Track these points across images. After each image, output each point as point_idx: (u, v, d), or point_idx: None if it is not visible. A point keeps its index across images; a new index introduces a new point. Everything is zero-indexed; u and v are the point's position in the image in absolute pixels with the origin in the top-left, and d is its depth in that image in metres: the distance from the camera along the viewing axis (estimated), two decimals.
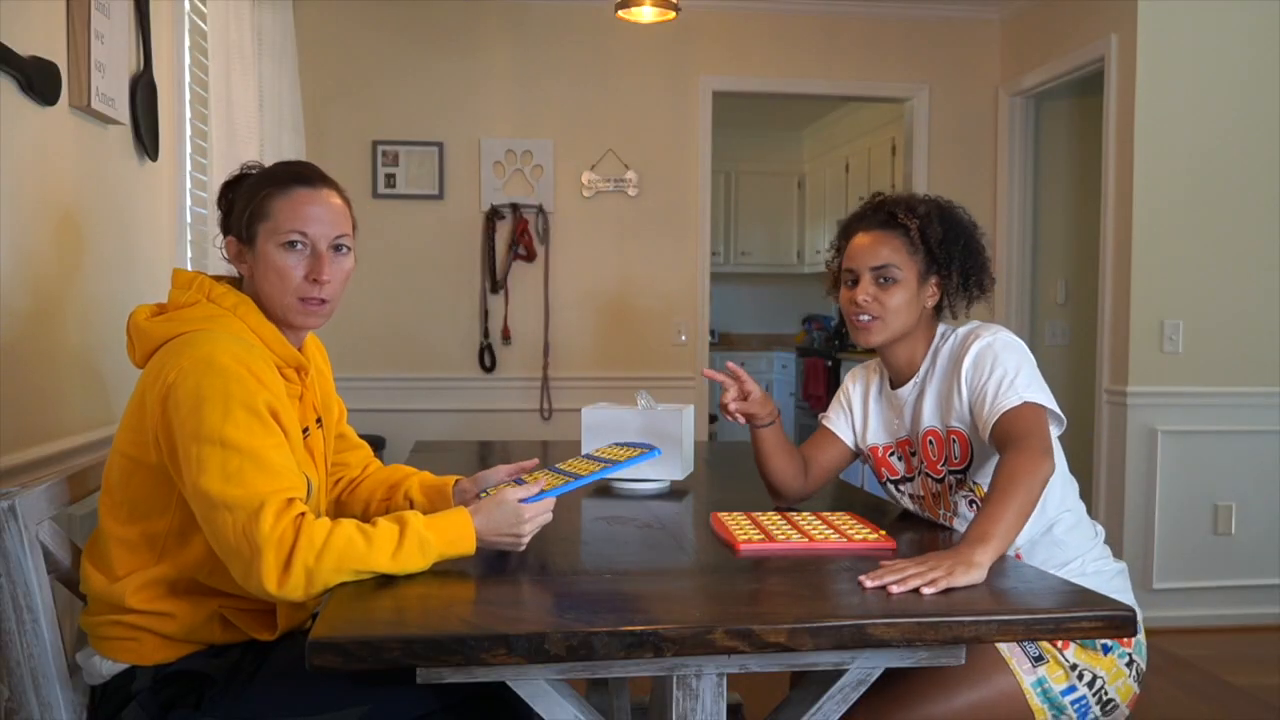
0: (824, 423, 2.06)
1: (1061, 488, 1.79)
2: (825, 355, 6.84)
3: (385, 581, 1.39)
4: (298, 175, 1.60)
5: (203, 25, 2.98)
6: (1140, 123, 3.82)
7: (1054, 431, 1.72)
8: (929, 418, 1.84)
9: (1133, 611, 1.32)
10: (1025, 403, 1.68)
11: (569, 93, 4.59)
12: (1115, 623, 1.31)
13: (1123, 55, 3.91)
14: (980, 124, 4.88)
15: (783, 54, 4.74)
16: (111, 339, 2.28)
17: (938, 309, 1.89)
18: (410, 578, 1.41)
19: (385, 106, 4.48)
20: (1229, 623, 3.91)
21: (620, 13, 3.12)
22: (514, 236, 4.55)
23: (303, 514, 1.37)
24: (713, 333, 7.60)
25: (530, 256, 4.56)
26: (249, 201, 1.58)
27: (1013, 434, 1.64)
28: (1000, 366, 1.72)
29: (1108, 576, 1.76)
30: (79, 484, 1.67)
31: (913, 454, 1.90)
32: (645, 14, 3.10)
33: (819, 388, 6.85)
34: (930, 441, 1.84)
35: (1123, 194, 3.91)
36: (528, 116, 4.57)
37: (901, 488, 1.94)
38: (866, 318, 1.83)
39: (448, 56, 4.51)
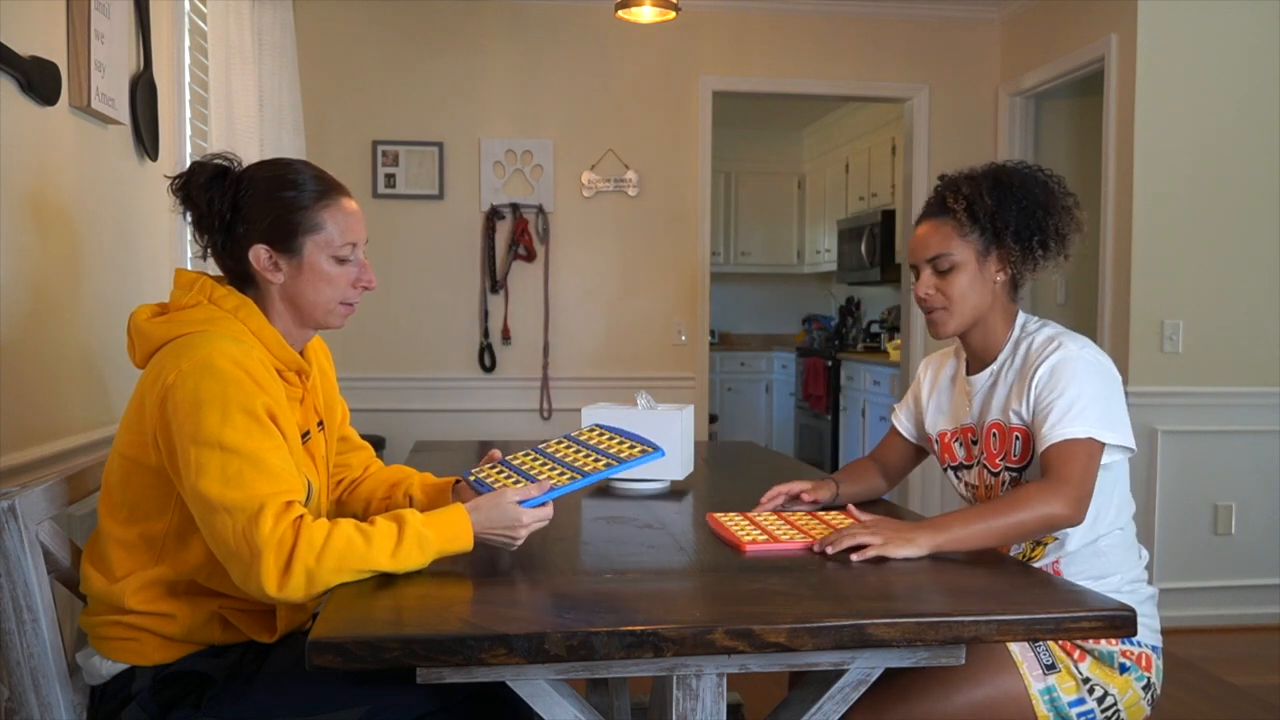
0: (891, 418, 2.10)
1: (1118, 507, 1.76)
2: (825, 355, 6.84)
3: (385, 582, 1.39)
4: (334, 185, 1.61)
5: (203, 25, 2.98)
6: (1140, 123, 3.82)
7: (1117, 456, 1.69)
8: (996, 410, 1.79)
9: (1133, 611, 1.32)
10: (1089, 438, 1.62)
11: (569, 93, 4.59)
12: (1115, 623, 1.31)
13: (1123, 55, 3.91)
14: (980, 124, 4.88)
15: (783, 54, 4.74)
16: (112, 339, 2.28)
17: (1014, 285, 1.81)
18: (410, 578, 1.41)
19: (385, 106, 4.48)
20: (1229, 623, 3.91)
21: (620, 13, 3.12)
22: (514, 236, 4.55)
23: (301, 516, 1.37)
24: (713, 333, 7.60)
25: (530, 256, 4.56)
26: (286, 211, 1.54)
27: (1054, 467, 1.61)
28: (1076, 387, 1.65)
29: (1137, 600, 1.73)
30: (79, 484, 1.67)
31: (974, 443, 1.86)
32: (645, 14, 3.10)
33: (819, 388, 6.85)
34: (994, 434, 1.80)
35: (1123, 194, 3.91)
36: (528, 116, 4.57)
37: (960, 474, 1.91)
38: (934, 309, 1.80)
39: (448, 56, 4.51)
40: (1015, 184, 1.76)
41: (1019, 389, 1.75)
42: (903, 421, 2.06)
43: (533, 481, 1.56)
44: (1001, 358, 1.82)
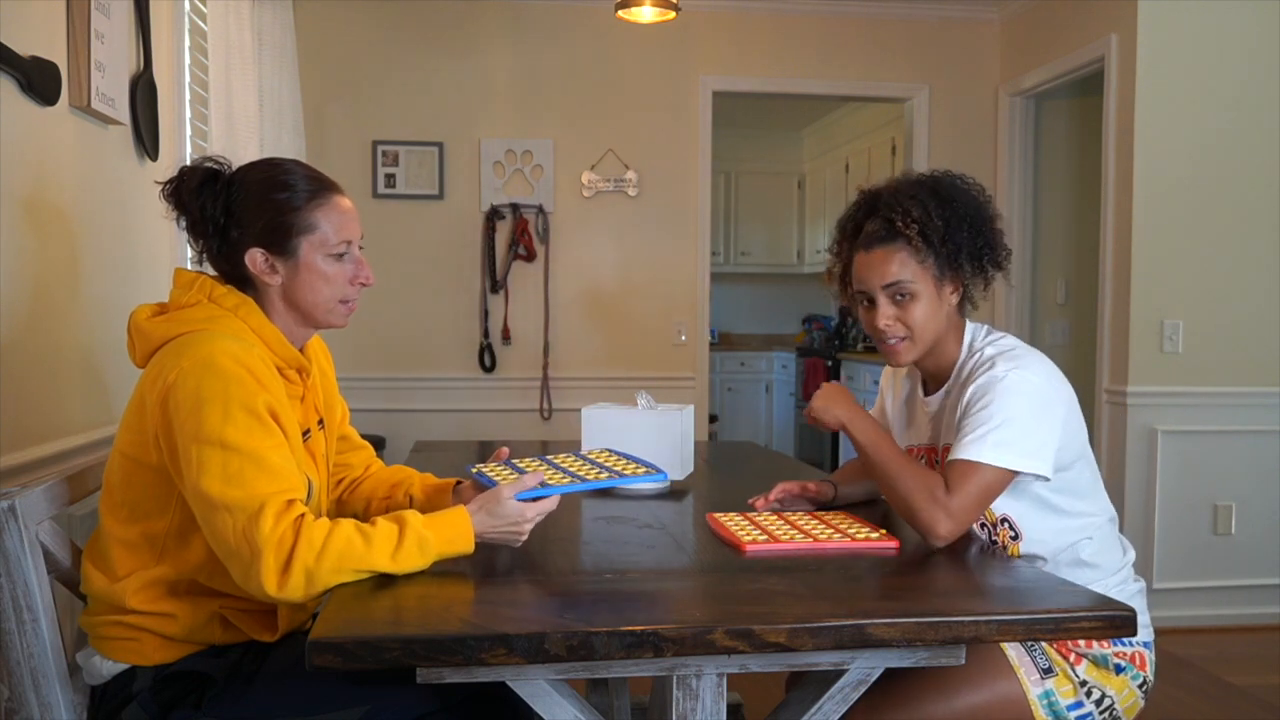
0: None
1: (1088, 512, 1.74)
2: (825, 355, 6.84)
3: (385, 582, 1.39)
4: (327, 183, 1.60)
5: (203, 25, 2.98)
6: (1140, 123, 3.82)
7: (1030, 480, 1.64)
8: (945, 433, 1.77)
9: (1132, 611, 1.32)
10: (979, 463, 1.59)
11: (569, 93, 4.59)
12: (1115, 623, 1.31)
13: (1123, 55, 3.91)
14: (980, 124, 4.88)
15: (783, 54, 4.74)
16: (112, 339, 2.28)
17: (963, 301, 1.78)
18: (410, 577, 1.41)
19: (385, 106, 4.48)
20: (1229, 623, 3.91)
21: (620, 13, 3.12)
22: (514, 236, 4.55)
23: (302, 515, 1.37)
24: (713, 333, 7.60)
25: (530, 256, 4.56)
26: (279, 213, 1.54)
27: (949, 482, 1.59)
28: (989, 409, 1.62)
29: (1124, 597, 1.72)
30: (79, 484, 1.67)
31: (936, 463, 1.84)
32: (645, 14, 3.10)
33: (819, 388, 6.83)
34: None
35: (1123, 194, 3.91)
36: (528, 116, 4.57)
37: None
38: (894, 340, 1.74)
39: (448, 56, 4.51)
40: (958, 199, 1.72)
41: (956, 415, 1.72)
42: None
43: None
44: (953, 378, 1.79)
